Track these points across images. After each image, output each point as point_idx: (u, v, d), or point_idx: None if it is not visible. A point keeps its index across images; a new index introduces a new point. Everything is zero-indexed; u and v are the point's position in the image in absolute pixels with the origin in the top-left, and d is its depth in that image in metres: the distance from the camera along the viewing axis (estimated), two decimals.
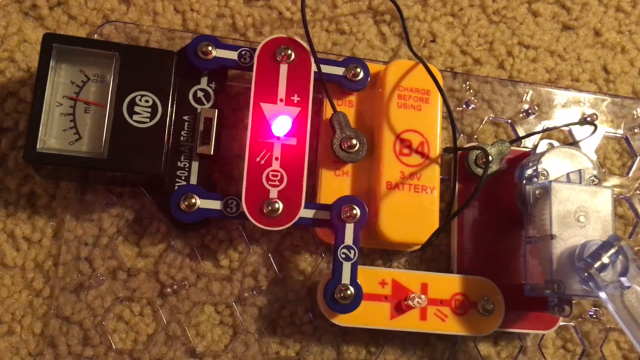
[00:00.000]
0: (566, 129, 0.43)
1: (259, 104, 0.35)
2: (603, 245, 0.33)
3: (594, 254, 0.33)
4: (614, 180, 0.43)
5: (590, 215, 0.35)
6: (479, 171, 0.39)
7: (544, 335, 0.40)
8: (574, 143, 0.42)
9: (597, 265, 0.32)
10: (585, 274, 0.33)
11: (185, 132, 0.36)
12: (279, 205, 0.34)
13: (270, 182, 0.34)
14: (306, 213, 0.35)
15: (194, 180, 0.35)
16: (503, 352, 0.39)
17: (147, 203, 0.37)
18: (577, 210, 0.35)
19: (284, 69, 0.36)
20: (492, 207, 0.40)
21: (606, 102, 0.44)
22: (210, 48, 0.35)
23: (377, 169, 0.37)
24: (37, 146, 0.32)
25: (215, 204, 0.34)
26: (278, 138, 0.35)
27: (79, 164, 0.32)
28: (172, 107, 0.35)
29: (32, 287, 0.35)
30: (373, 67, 0.39)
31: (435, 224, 0.37)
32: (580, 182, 0.36)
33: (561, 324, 0.40)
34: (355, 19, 0.42)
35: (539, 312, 0.38)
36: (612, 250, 0.33)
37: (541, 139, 0.42)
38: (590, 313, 0.41)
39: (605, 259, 0.33)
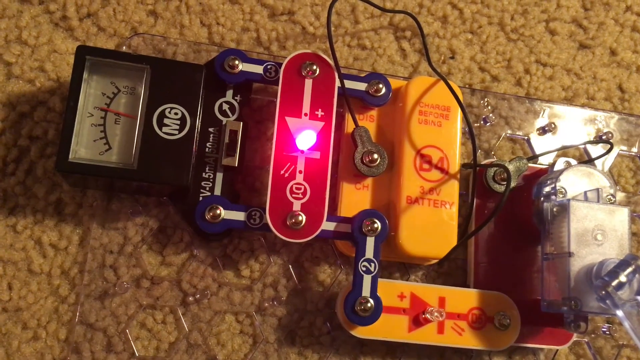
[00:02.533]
0: (582, 146, 0.44)
1: (284, 117, 0.36)
2: (620, 263, 0.34)
3: (612, 273, 0.33)
4: (627, 198, 0.44)
5: (608, 234, 0.35)
6: (497, 187, 0.40)
7: (557, 350, 0.40)
8: (589, 161, 0.43)
9: (614, 283, 0.33)
10: (603, 292, 0.33)
11: (210, 143, 0.36)
12: (302, 217, 0.35)
13: (293, 195, 0.35)
14: (328, 226, 0.35)
15: (218, 191, 0.36)
16: None
17: (171, 213, 0.37)
18: (595, 228, 0.35)
19: (308, 83, 0.36)
20: (508, 222, 0.40)
21: (621, 121, 0.45)
22: (236, 62, 0.36)
23: (398, 184, 0.38)
24: (70, 156, 0.32)
25: (239, 215, 0.35)
26: (302, 151, 0.36)
27: (109, 174, 0.33)
28: (199, 119, 0.35)
29: (57, 293, 0.36)
30: (393, 83, 0.39)
31: (453, 239, 0.37)
32: (598, 201, 0.36)
33: (575, 339, 0.40)
34: (377, 34, 0.43)
35: (554, 328, 0.38)
36: (629, 269, 0.33)
37: (557, 156, 0.43)
38: (603, 329, 0.41)
39: (622, 278, 0.33)
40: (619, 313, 0.33)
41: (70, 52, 0.38)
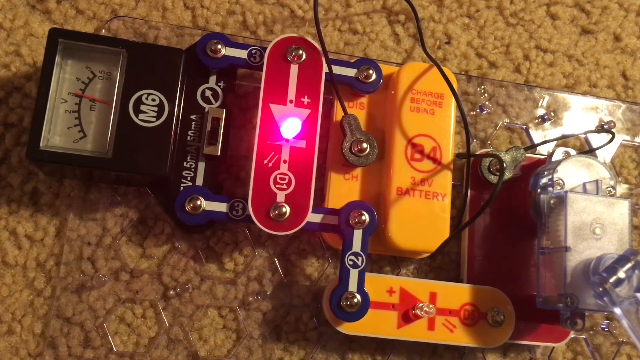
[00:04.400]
0: (582, 136, 0.42)
1: (268, 104, 0.34)
2: (619, 259, 0.32)
3: (610, 268, 0.32)
4: (629, 189, 0.42)
5: (607, 228, 0.34)
6: (492, 178, 0.38)
7: (554, 347, 0.39)
8: (590, 151, 0.41)
9: (612, 280, 0.31)
10: (600, 289, 0.32)
11: (192, 131, 0.35)
12: (286, 209, 0.33)
13: (277, 186, 0.34)
14: (313, 218, 0.34)
15: (199, 181, 0.35)
16: None
17: (151, 203, 0.36)
18: (593, 221, 0.34)
19: (294, 69, 0.35)
20: (504, 215, 0.39)
21: (624, 109, 0.43)
22: (219, 46, 0.35)
23: (388, 174, 0.36)
24: (41, 144, 0.31)
25: (221, 207, 0.33)
26: (287, 140, 0.34)
27: (83, 164, 0.32)
28: (179, 106, 0.34)
29: (33, 286, 0.34)
30: (386, 69, 0.38)
31: (446, 232, 0.36)
32: (597, 193, 0.35)
33: (572, 336, 0.39)
34: (369, 18, 0.41)
35: (550, 324, 0.37)
36: (629, 265, 0.32)
37: (557, 146, 0.41)
38: (602, 326, 0.40)
39: (621, 274, 0.32)
40: (617, 311, 0.31)
41: (47, 36, 0.37)
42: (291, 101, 0.35)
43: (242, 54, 0.35)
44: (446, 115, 0.37)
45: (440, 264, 0.39)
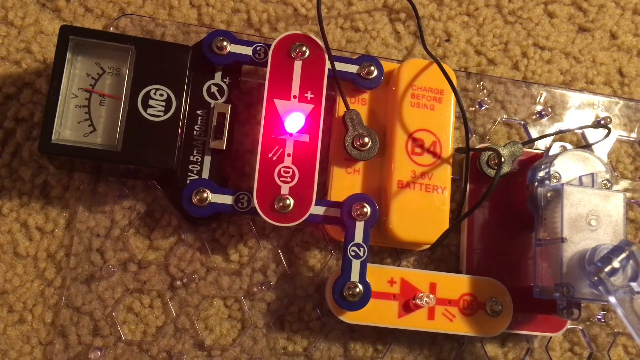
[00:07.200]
0: (579, 131, 0.43)
1: (273, 100, 0.35)
2: (614, 249, 0.33)
3: (605, 258, 0.33)
4: (625, 184, 0.43)
5: (602, 219, 0.35)
6: (491, 172, 0.39)
7: (551, 337, 0.40)
8: (587, 146, 0.42)
9: (607, 269, 0.32)
10: (595, 278, 0.32)
11: (198, 126, 0.36)
12: (290, 201, 0.34)
13: (281, 179, 0.35)
14: (317, 210, 0.35)
15: (205, 174, 0.36)
16: (510, 354, 0.39)
17: (159, 196, 0.37)
18: (589, 213, 0.35)
19: (298, 65, 0.36)
20: (503, 208, 0.40)
21: (620, 106, 0.44)
22: (225, 43, 0.36)
23: (389, 168, 0.37)
24: (52, 137, 0.32)
25: (226, 199, 0.34)
26: (291, 134, 0.35)
27: (93, 156, 0.32)
28: (186, 101, 0.35)
29: (43, 276, 0.35)
30: (387, 66, 0.39)
31: (445, 224, 0.37)
32: (593, 186, 0.36)
33: (569, 326, 0.39)
34: (370, 16, 0.42)
35: (547, 315, 0.38)
36: (623, 255, 0.33)
37: (554, 141, 0.42)
38: (598, 317, 0.40)
39: (615, 264, 0.32)
40: (612, 299, 0.32)
41: (57, 33, 0.37)
42: (295, 96, 0.35)
43: (247, 50, 0.36)
44: (446, 111, 0.38)
45: (440, 256, 0.40)
